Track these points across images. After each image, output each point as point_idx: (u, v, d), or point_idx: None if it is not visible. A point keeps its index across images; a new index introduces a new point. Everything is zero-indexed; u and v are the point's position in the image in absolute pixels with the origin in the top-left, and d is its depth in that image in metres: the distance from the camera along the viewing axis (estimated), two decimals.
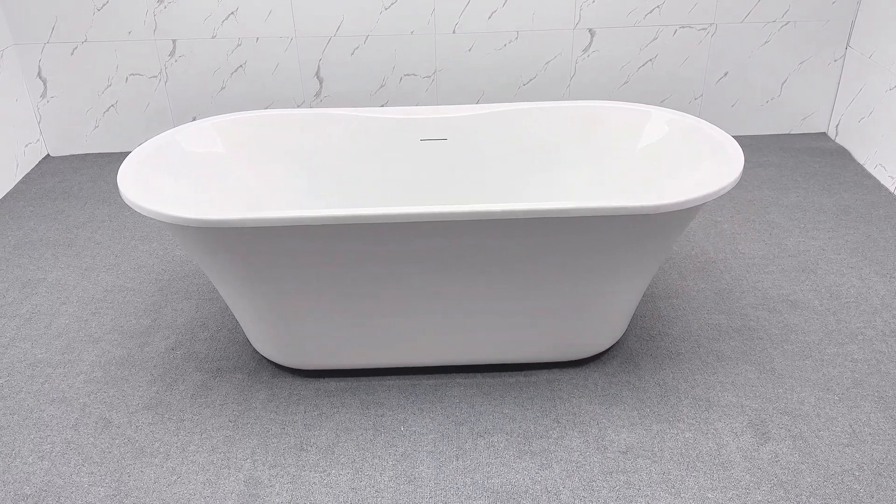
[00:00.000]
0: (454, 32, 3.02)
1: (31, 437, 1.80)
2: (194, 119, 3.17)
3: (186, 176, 1.97)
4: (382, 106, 3.16)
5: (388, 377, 1.93)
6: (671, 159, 2.06)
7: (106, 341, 2.11)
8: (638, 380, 1.91)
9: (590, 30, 3.02)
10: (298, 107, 3.16)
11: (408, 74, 3.11)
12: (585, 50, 3.06)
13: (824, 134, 3.24)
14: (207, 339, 2.11)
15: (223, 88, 3.11)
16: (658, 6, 2.98)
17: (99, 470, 1.70)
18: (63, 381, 1.96)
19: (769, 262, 2.37)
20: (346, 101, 3.15)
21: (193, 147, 2.03)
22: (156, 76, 3.08)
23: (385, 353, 1.89)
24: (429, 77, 3.11)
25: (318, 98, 3.15)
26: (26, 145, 3.07)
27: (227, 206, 2.02)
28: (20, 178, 3.02)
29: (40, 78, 3.06)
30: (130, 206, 1.63)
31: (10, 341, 2.11)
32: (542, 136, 2.23)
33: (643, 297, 2.21)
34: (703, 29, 3.02)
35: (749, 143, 3.16)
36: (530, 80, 3.12)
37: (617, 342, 2.02)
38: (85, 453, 1.75)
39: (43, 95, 3.10)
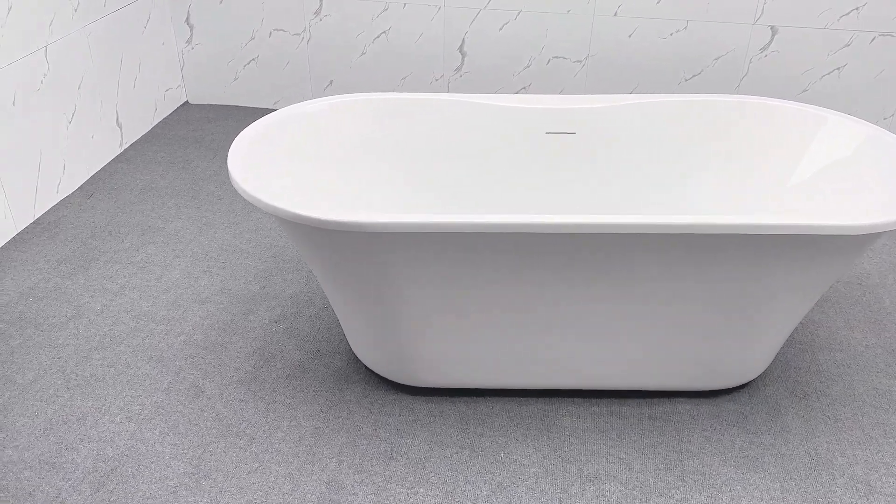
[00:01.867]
0: (615, 15, 2.75)
1: (123, 394, 1.75)
2: (331, 83, 3.08)
3: (299, 161, 1.83)
4: (523, 89, 2.94)
5: (493, 395, 1.75)
6: (846, 173, 1.75)
7: (212, 303, 2.04)
8: (784, 444, 1.62)
9: (772, 27, 2.67)
10: (436, 80, 3.00)
11: (557, 57, 2.87)
12: (764, 49, 2.71)
13: None
14: (312, 316, 2.00)
15: (363, 54, 2.99)
16: (857, 8, 2.58)
17: (182, 442, 1.63)
18: (163, 340, 1.91)
19: None
20: (486, 79, 2.95)
21: (308, 128, 1.88)
22: (299, 34, 3.00)
23: (498, 373, 1.70)
24: (579, 62, 2.86)
25: (458, 73, 2.97)
26: (167, 90, 3.08)
27: (338, 199, 1.88)
28: (157, 122, 3.04)
29: (188, 24, 3.06)
30: (242, 194, 1.51)
31: (121, 289, 2.09)
32: (689, 134, 1.95)
33: (800, 346, 1.90)
34: None
35: None
36: (693, 75, 2.80)
37: (765, 396, 1.74)
38: (172, 421, 1.68)
39: (188, 41, 3.09)
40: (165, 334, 1.93)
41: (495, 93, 2.97)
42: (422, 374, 1.70)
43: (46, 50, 2.36)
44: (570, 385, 1.72)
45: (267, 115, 1.81)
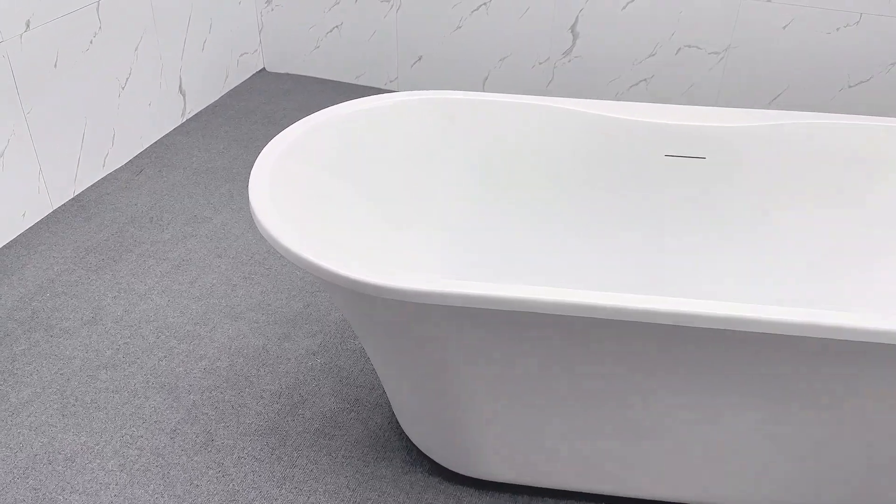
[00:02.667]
0: (769, 0, 2.23)
1: (123, 431, 1.47)
2: (420, 59, 2.70)
3: (344, 183, 1.45)
4: (643, 82, 2.47)
5: (567, 497, 1.36)
6: None
7: (246, 320, 1.74)
8: None
9: None
10: (540, 64, 2.56)
11: (689, 46, 2.38)
12: None
13: None
14: (356, 351, 1.66)
15: (458, 28, 2.59)
16: None
17: None
18: (182, 363, 1.62)
19: None
20: (598, 66, 2.50)
21: (358, 137, 1.49)
22: (388, 1, 2.63)
23: (578, 475, 1.30)
24: (716, 54, 2.36)
25: (567, 57, 2.52)
26: (241, 55, 2.79)
27: (389, 240, 1.51)
28: (227, 90, 2.75)
29: None
30: (262, 233, 1.17)
31: (148, 291, 1.81)
32: (868, 175, 1.47)
33: None
34: None
35: None
36: (860, 82, 2.26)
37: None
38: (170, 477, 1.38)
39: (269, 1, 2.78)
40: (186, 356, 1.64)
41: (609, 83, 2.51)
42: (477, 464, 1.33)
43: (98, 5, 2.09)
44: (665, 497, 1.31)
45: (307, 118, 1.45)
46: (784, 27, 2.25)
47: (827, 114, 1.49)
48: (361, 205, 1.47)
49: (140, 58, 2.28)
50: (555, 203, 1.57)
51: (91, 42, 2.09)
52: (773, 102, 2.37)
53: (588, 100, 1.52)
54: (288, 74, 2.89)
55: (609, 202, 1.55)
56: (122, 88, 2.24)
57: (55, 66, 1.99)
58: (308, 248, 1.11)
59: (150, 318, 1.74)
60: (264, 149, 1.34)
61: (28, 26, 1.89)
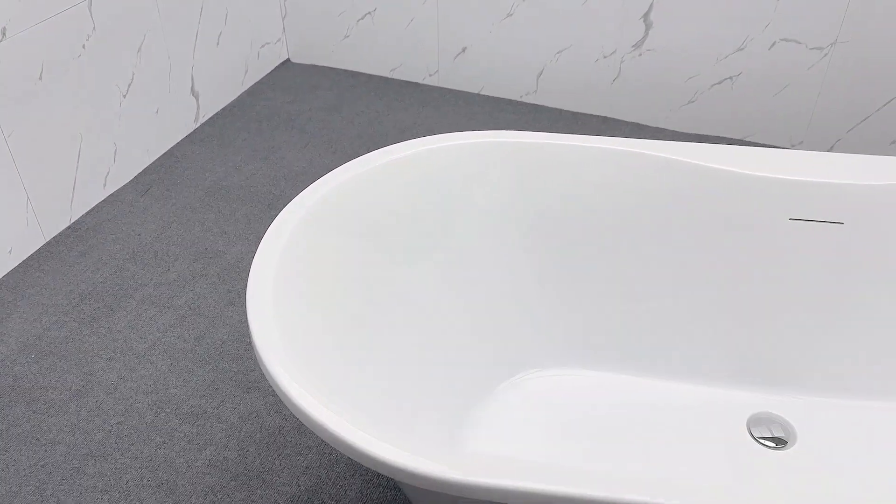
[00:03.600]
0: None
1: None
2: (463, 51, 2.35)
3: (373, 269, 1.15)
4: (728, 80, 2.10)
5: None
6: None
7: (259, 392, 1.46)
8: None
9: None
10: (605, 58, 2.20)
11: (786, 39, 1.99)
12: None
13: None
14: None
15: (510, 15, 2.23)
16: None
17: None
18: (182, 453, 1.35)
19: None
20: (673, 61, 2.13)
21: (394, 203, 1.18)
22: None
23: None
24: (819, 49, 1.97)
25: (637, 51, 2.16)
26: (263, 46, 2.47)
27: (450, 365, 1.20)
28: (247, 87, 2.45)
29: None
30: (275, 388, 0.88)
31: (148, 351, 1.54)
32: None
33: None
34: None
35: None
36: None
37: None
38: None
39: None
40: (188, 442, 1.37)
41: (687, 80, 2.14)
42: None
43: (91, 4, 1.79)
44: None
45: (318, 184, 1.13)
46: None
47: None
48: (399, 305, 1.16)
49: (144, 59, 1.98)
50: (638, 279, 1.24)
51: (84, 46, 1.80)
52: (886, 106, 1.98)
53: (683, 144, 1.18)
54: (315, 66, 2.57)
55: (712, 276, 1.23)
56: (124, 96, 1.95)
57: (40, 77, 1.70)
58: (357, 424, 0.81)
59: (149, 390, 1.47)
60: (265, 239, 1.03)
61: (4, 35, 1.60)
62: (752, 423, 1.26)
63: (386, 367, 1.12)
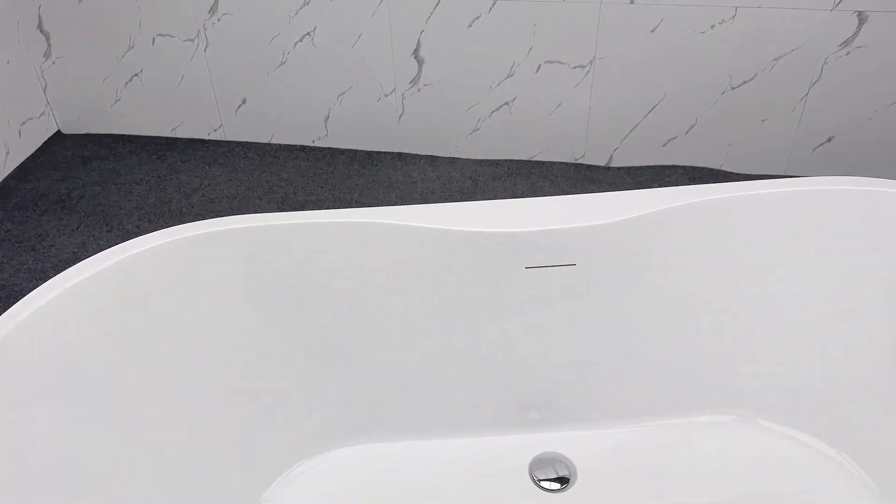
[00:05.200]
0: (632, 2, 1.92)
1: None
2: (244, 102, 2.27)
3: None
4: (505, 105, 2.13)
5: None
6: None
7: None
8: None
9: (859, 13, 1.84)
10: (386, 97, 2.18)
11: (550, 62, 2.05)
12: (846, 44, 1.89)
13: None
14: None
15: (283, 63, 2.17)
16: None
17: None
18: None
19: None
20: (453, 93, 2.14)
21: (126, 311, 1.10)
22: (191, 39, 2.18)
23: None
24: (582, 67, 2.05)
25: (415, 86, 2.15)
26: (23, 122, 2.27)
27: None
28: (11, 169, 2.24)
29: (41, 31, 2.22)
30: None
31: None
32: (767, 265, 1.19)
33: None
34: None
35: None
36: (743, 82, 1.99)
37: None
38: None
39: (46, 55, 2.26)
40: None
41: (468, 110, 2.16)
42: None
43: None
44: None
45: (47, 284, 1.03)
46: (652, 30, 1.95)
47: (730, 184, 1.19)
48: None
49: None
50: (395, 346, 1.21)
51: None
52: (651, 112, 2.08)
53: (418, 206, 1.17)
54: (89, 135, 2.40)
55: (466, 331, 1.21)
56: None
57: None
58: None
59: None
60: None
61: None
62: (535, 465, 1.26)
63: (153, 478, 1.02)
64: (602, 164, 2.22)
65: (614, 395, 1.30)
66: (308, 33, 2.11)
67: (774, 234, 1.23)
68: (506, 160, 2.26)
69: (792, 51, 1.92)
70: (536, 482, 1.23)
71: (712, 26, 1.92)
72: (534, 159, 2.25)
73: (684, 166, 2.17)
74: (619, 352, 1.25)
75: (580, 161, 2.23)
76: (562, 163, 2.24)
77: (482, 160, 2.26)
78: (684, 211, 1.16)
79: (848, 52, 1.90)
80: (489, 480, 1.23)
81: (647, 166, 2.19)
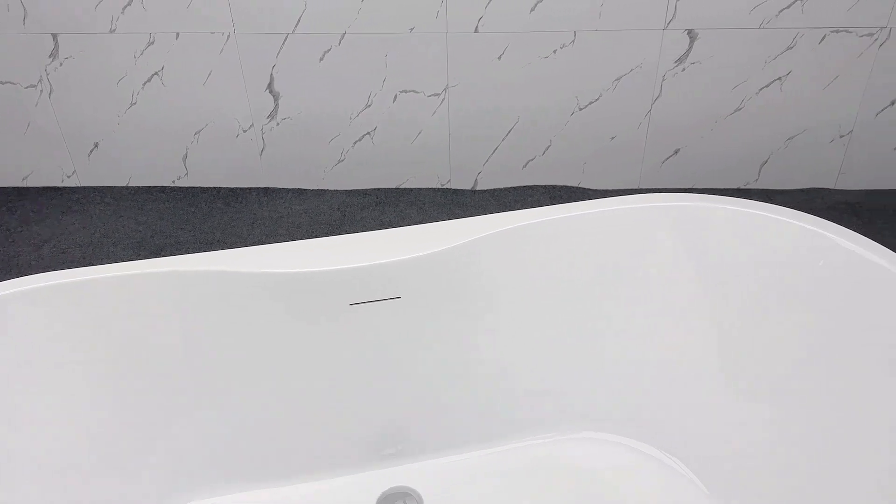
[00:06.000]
0: (476, 31, 1.96)
1: None
2: (96, 147, 2.19)
3: None
4: (367, 135, 2.14)
5: None
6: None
7: None
8: None
9: (689, 31, 1.94)
10: (244, 132, 2.15)
11: (405, 91, 2.07)
12: (680, 61, 1.98)
13: None
14: None
15: (133, 104, 2.11)
16: None
17: None
18: None
19: None
20: (312, 126, 2.13)
21: None
22: (34, 85, 2.09)
23: None
24: (437, 95, 2.07)
25: (274, 121, 2.13)
26: None
27: None
28: None
29: None
30: None
31: None
32: (591, 287, 1.23)
33: None
34: (868, 34, 1.92)
35: None
36: (590, 103, 2.06)
37: None
38: None
39: None
40: None
41: (330, 142, 2.16)
42: None
43: None
44: None
45: None
46: (499, 57, 2.00)
47: (532, 210, 1.22)
48: None
49: None
50: (225, 392, 1.18)
51: None
52: (508, 135, 2.13)
53: (232, 250, 1.14)
54: None
55: (294, 372, 1.20)
56: None
57: None
58: None
59: None
60: None
61: None
62: (383, 501, 1.25)
63: None
64: (468, 187, 2.25)
65: (461, 423, 1.31)
66: (156, 73, 2.06)
67: (602, 252, 1.27)
68: (374, 189, 2.26)
69: (631, 70, 2.00)
70: None
71: (554, 51, 1.98)
72: (401, 187, 2.26)
73: (545, 185, 2.22)
74: (458, 380, 1.26)
75: (447, 186, 2.26)
76: (429, 188, 2.26)
77: (350, 190, 2.25)
78: (506, 235, 1.18)
79: (683, 69, 1.99)
80: None
81: (511, 188, 2.23)
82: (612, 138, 2.11)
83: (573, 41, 1.96)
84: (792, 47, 1.94)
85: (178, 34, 1.99)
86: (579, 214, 1.23)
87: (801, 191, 2.16)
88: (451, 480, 1.28)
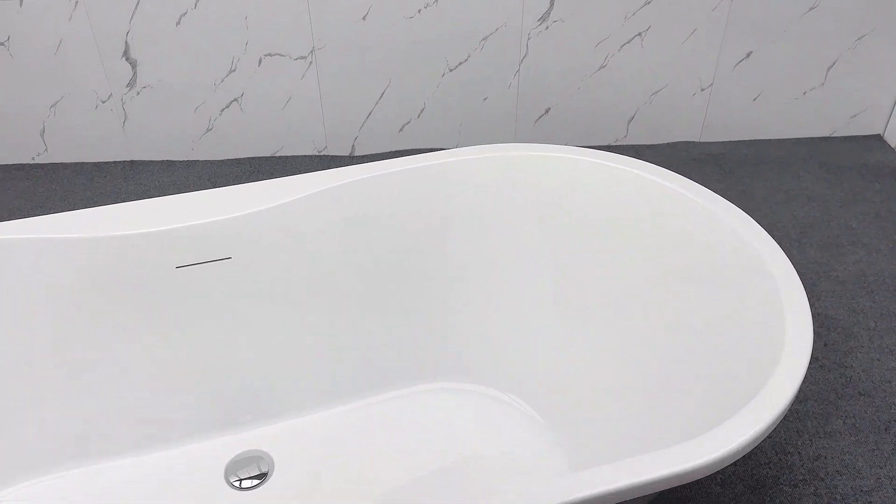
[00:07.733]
0: None
1: None
2: None
3: None
4: (235, 102, 2.08)
5: None
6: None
7: None
8: None
9: None
10: (104, 102, 2.06)
11: (270, 55, 2.02)
12: (543, 19, 2.00)
13: (880, 137, 2.28)
14: None
15: None
16: None
17: None
18: None
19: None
20: (175, 94, 2.06)
21: None
22: None
23: None
24: (304, 58, 2.03)
25: (134, 89, 2.05)
26: None
27: None
28: None
29: None
30: None
31: None
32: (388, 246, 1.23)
33: None
34: None
35: (776, 155, 2.18)
36: (460, 63, 2.06)
37: None
38: None
39: None
40: None
41: (196, 109, 2.09)
42: None
43: None
44: None
45: None
46: (363, 18, 1.97)
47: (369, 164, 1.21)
48: None
49: None
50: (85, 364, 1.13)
51: None
52: (381, 99, 2.10)
53: (57, 215, 1.09)
54: None
55: (150, 340, 1.16)
56: None
57: None
58: None
59: None
60: None
61: None
62: (231, 468, 1.23)
63: None
64: (346, 154, 2.22)
65: (314, 384, 1.29)
66: (2, 43, 1.94)
67: (436, 202, 1.27)
68: (247, 158, 2.20)
69: (496, 29, 2.00)
70: (230, 483, 1.20)
71: (419, 11, 1.96)
72: (276, 155, 2.21)
73: (422, 149, 2.21)
74: (306, 339, 1.24)
75: (323, 153, 2.22)
76: (305, 156, 2.22)
77: (222, 160, 2.19)
78: (336, 191, 1.17)
79: (547, 27, 2.01)
80: (180, 490, 1.18)
81: (388, 152, 2.22)
82: (485, 99, 2.12)
83: (436, 1, 1.94)
84: (650, 2, 1.98)
85: (21, 1, 1.88)
86: (412, 167, 1.22)
87: (668, 145, 2.22)
88: (304, 441, 1.27)
